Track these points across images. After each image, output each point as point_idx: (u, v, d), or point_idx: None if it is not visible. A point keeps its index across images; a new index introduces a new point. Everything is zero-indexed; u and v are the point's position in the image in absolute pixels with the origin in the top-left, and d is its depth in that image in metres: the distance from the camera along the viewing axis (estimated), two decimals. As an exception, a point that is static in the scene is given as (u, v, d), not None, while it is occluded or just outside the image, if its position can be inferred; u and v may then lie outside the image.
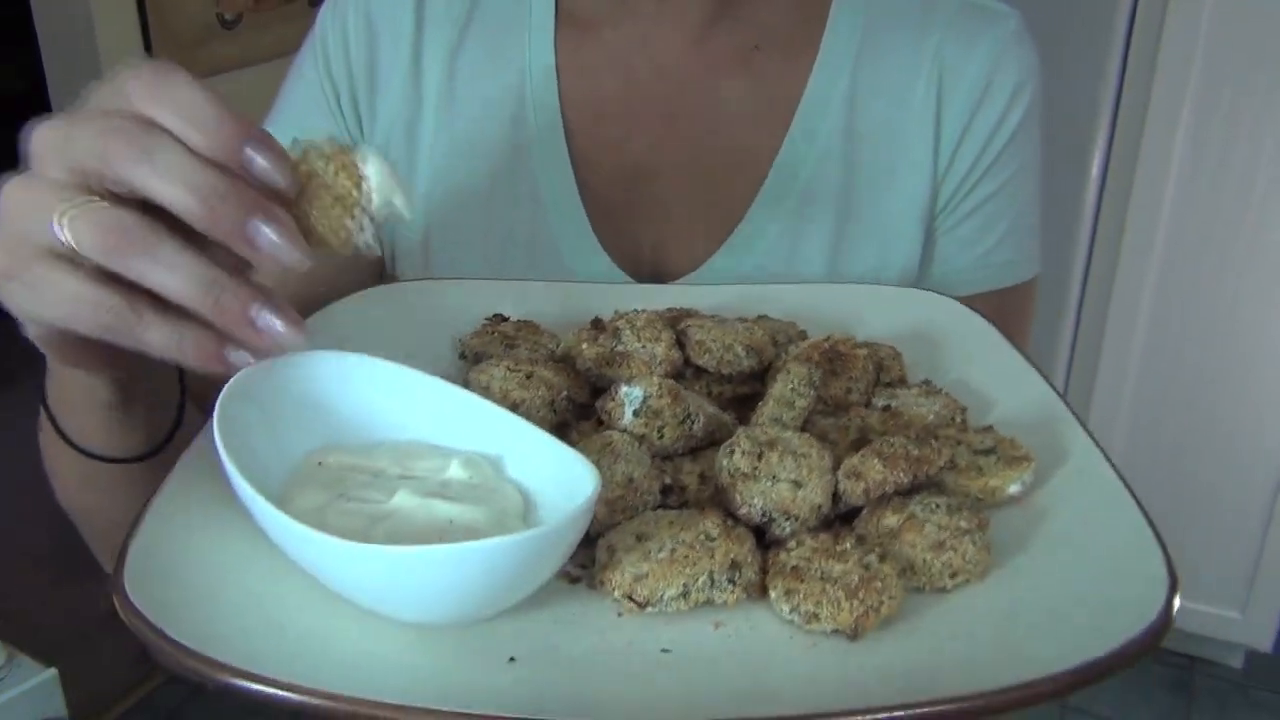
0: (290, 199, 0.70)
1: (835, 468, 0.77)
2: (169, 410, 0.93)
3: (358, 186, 0.72)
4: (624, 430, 0.79)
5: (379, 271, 1.24)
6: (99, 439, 0.90)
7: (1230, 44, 2.56)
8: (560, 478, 0.72)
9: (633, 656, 0.66)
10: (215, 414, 0.70)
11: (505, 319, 1.00)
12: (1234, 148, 2.62)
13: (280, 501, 0.71)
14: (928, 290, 1.07)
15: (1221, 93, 2.60)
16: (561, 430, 0.83)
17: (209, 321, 0.67)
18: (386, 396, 0.79)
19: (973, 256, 1.20)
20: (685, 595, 0.68)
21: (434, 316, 1.02)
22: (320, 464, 0.76)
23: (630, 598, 0.68)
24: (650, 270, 1.20)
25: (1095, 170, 2.66)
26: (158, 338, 0.69)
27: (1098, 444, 0.84)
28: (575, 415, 0.85)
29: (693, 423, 0.79)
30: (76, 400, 0.89)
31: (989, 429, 0.85)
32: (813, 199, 1.17)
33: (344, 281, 1.08)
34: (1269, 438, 2.80)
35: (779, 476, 0.74)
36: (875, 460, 0.74)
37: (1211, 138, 2.64)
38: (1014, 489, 0.79)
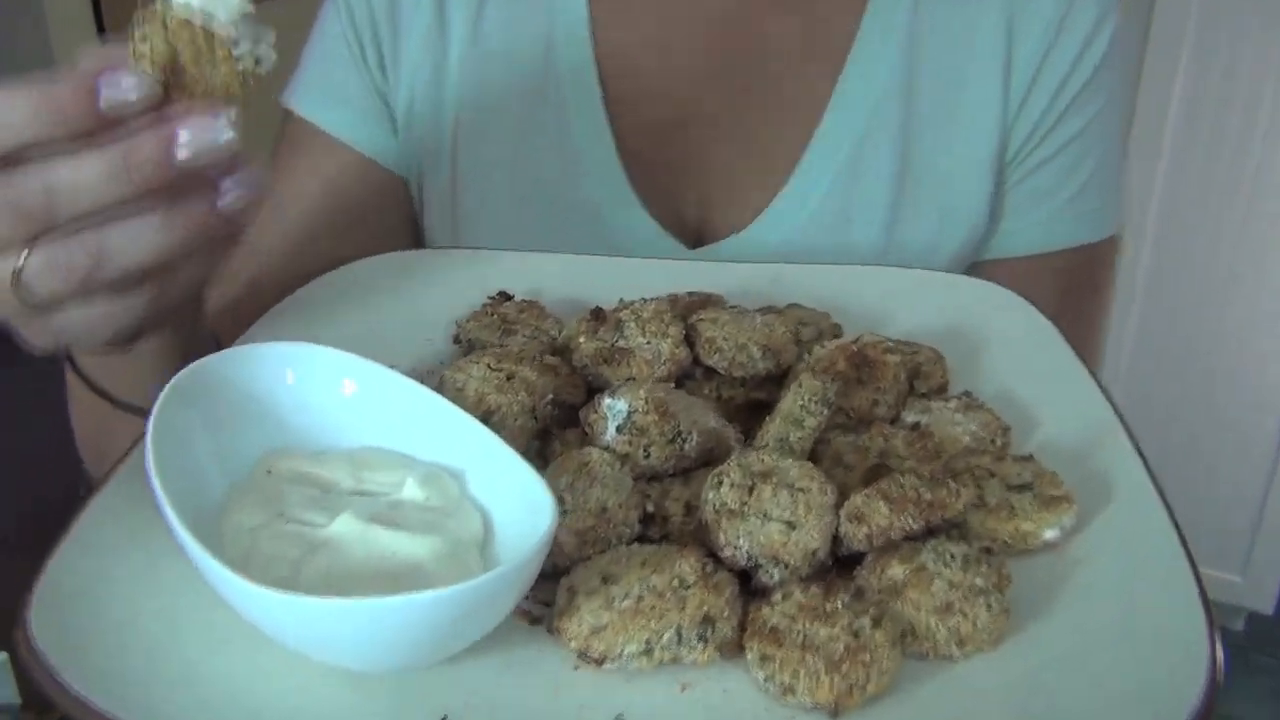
0: (163, 98, 0.68)
1: (841, 502, 0.70)
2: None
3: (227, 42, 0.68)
4: (606, 447, 0.73)
5: (411, 231, 1.20)
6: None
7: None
8: (523, 504, 0.67)
9: (583, 722, 0.61)
10: (150, 422, 0.66)
11: (509, 297, 0.94)
12: (1229, 109, 2.58)
13: (221, 515, 0.68)
14: (985, 281, 0.98)
15: (1218, 45, 2.53)
16: (544, 439, 0.78)
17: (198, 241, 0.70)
18: (347, 396, 0.74)
19: (1050, 208, 1.12)
20: (648, 653, 0.63)
21: (441, 290, 0.96)
22: (269, 472, 0.71)
23: (585, 654, 0.63)
24: (695, 230, 1.14)
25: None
26: (171, 294, 0.73)
27: (1153, 478, 0.75)
28: (563, 421, 0.79)
29: (684, 442, 0.73)
30: (118, 368, 0.87)
31: (1029, 459, 0.77)
32: (869, 148, 1.10)
33: (374, 244, 1.05)
34: (1268, 399, 2.78)
35: (771, 515, 0.68)
36: (881, 503, 0.67)
37: (1207, 97, 2.58)
38: (1049, 535, 0.72)
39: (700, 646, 0.63)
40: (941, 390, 0.87)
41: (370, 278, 0.97)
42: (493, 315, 0.90)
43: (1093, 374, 0.85)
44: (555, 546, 0.68)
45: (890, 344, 0.84)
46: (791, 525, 0.68)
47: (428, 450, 0.73)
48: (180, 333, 0.86)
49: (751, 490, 0.69)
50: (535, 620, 0.67)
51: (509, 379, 0.77)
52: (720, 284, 0.97)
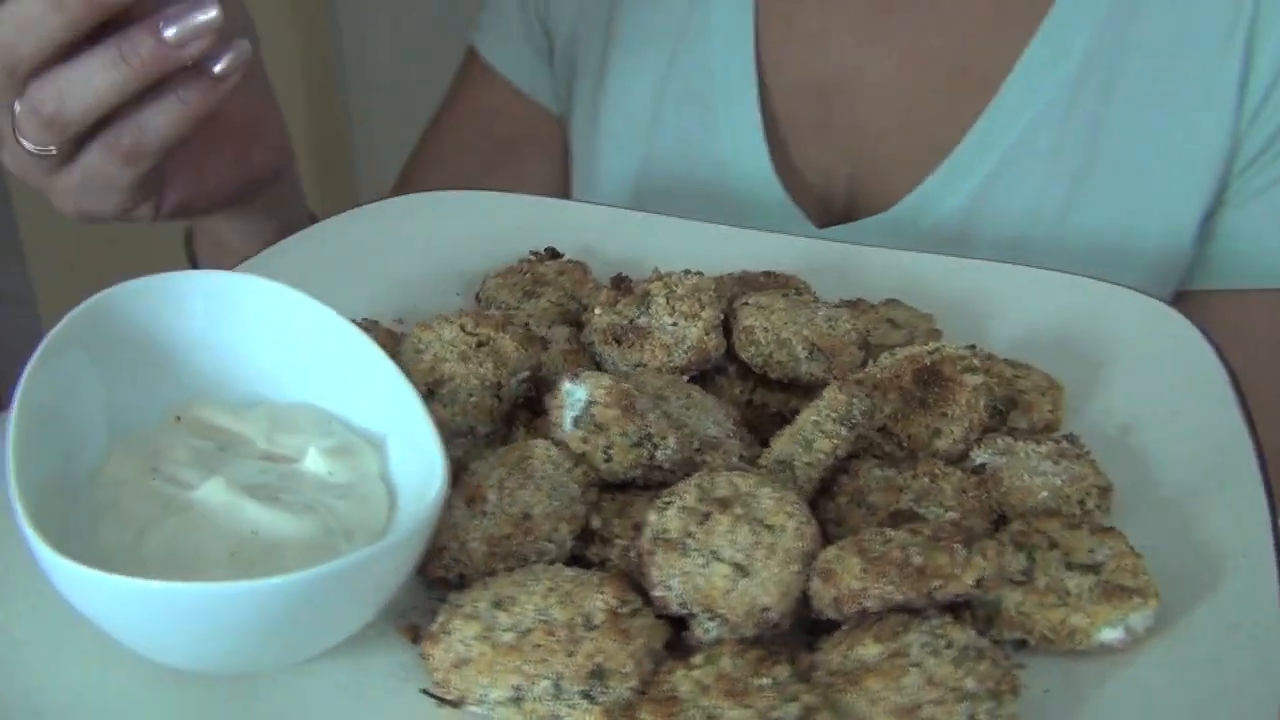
0: None
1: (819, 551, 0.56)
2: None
3: None
4: (560, 442, 0.62)
5: (561, 173, 1.17)
6: None
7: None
8: (425, 492, 0.57)
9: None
10: (25, 371, 0.60)
11: (556, 255, 0.84)
12: None
13: (101, 464, 0.61)
14: (1154, 298, 0.80)
15: None
16: (509, 423, 0.68)
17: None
18: (289, 341, 0.67)
19: None
20: (516, 701, 0.52)
21: (485, 238, 0.87)
22: (178, 419, 0.64)
23: (438, 694, 0.53)
24: (844, 206, 1.01)
25: None
26: (147, 146, 0.75)
27: (1282, 586, 0.58)
28: (539, 405, 0.68)
29: (655, 448, 0.61)
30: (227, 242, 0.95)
31: (1112, 532, 0.60)
32: (1048, 128, 0.94)
33: (521, 180, 1.09)
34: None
35: (720, 554, 0.55)
36: (855, 560, 0.53)
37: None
38: (1106, 636, 0.56)
39: (584, 705, 0.52)
40: (1048, 429, 0.71)
41: (413, 215, 0.89)
42: (525, 274, 0.80)
43: (1259, 446, 0.67)
44: (464, 554, 0.58)
45: (976, 361, 0.68)
46: (742, 571, 0.55)
47: (360, 414, 0.64)
48: (254, 213, 0.93)
49: (705, 519, 0.56)
50: (416, 638, 0.57)
51: (479, 346, 0.67)
52: (817, 263, 0.84)
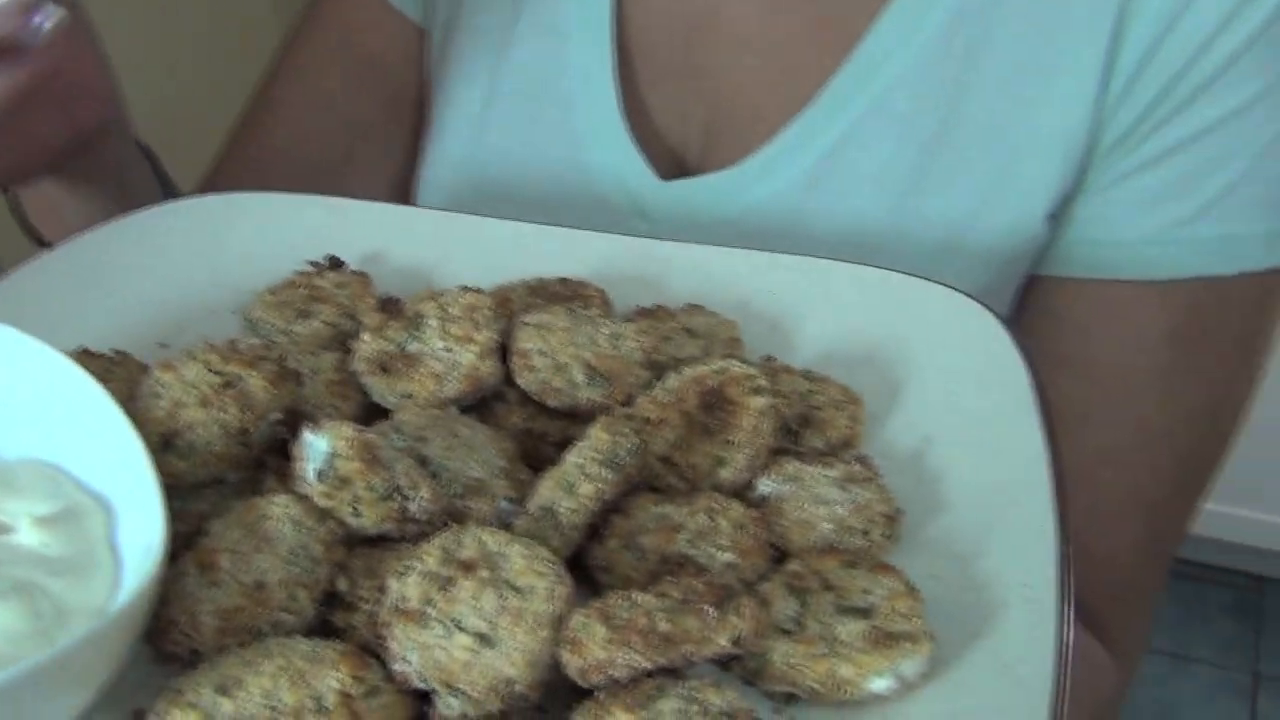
0: None
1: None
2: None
3: None
4: (305, 496, 0.59)
5: (416, 103, 1.12)
6: None
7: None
8: (146, 552, 0.54)
9: None
10: None
11: (339, 264, 0.81)
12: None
13: None
14: (975, 302, 0.78)
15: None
16: (259, 472, 0.65)
17: None
18: (7, 389, 0.63)
19: (1161, 222, 0.88)
20: (235, 802, 0.49)
21: (265, 247, 0.84)
22: (-119, 484, 0.61)
23: (148, 793, 0.50)
24: (697, 158, 0.99)
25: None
26: None
27: (1063, 632, 0.57)
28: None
29: (407, 499, 0.58)
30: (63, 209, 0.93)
31: (890, 570, 0.60)
32: (910, 91, 0.91)
33: (392, 102, 1.08)
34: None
35: (462, 623, 0.53)
36: (600, 627, 0.52)
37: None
38: (877, 685, 0.55)
39: (310, 802, 0.50)
40: (847, 445, 0.70)
41: (184, 223, 0.85)
42: (301, 289, 0.77)
43: (1055, 452, 0.67)
44: (194, 629, 0.56)
45: (763, 381, 0.67)
46: (487, 641, 0.53)
47: (90, 472, 0.61)
48: (88, 173, 0.92)
49: (447, 586, 0.54)
50: (141, 725, 0.54)
51: (224, 387, 0.64)
52: (622, 267, 0.81)
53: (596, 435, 0.61)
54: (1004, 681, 0.56)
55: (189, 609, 0.56)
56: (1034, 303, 0.95)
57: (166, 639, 0.56)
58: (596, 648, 0.52)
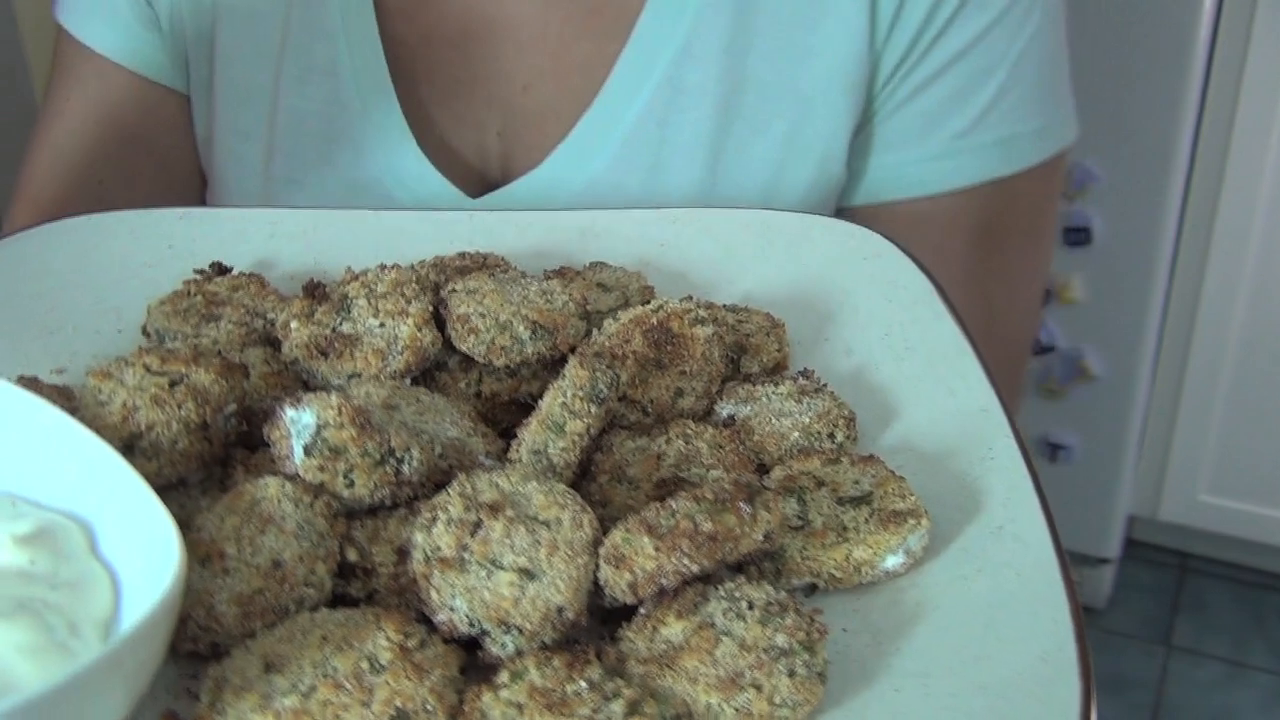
0: None
1: (604, 537, 0.57)
2: None
3: None
4: (293, 476, 0.59)
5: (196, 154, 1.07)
6: None
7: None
8: (157, 561, 0.53)
9: None
10: None
11: (225, 270, 0.80)
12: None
13: None
14: (849, 223, 0.84)
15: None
16: (226, 467, 0.64)
17: None
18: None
19: (940, 140, 0.98)
20: (317, 769, 0.49)
21: (142, 263, 0.82)
22: None
23: (223, 778, 0.50)
24: (498, 169, 1.01)
25: (1183, 158, 2.31)
26: None
27: (1037, 485, 0.63)
28: (255, 439, 0.65)
29: (400, 462, 0.59)
30: None
31: (871, 460, 0.64)
32: (689, 63, 0.96)
33: (160, 171, 1.02)
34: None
35: (501, 562, 0.55)
36: (645, 539, 0.54)
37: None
38: (890, 563, 0.59)
39: (393, 756, 0.50)
40: (778, 369, 0.74)
41: (52, 248, 0.82)
42: (195, 295, 0.76)
43: (975, 347, 0.73)
44: (212, 621, 0.55)
45: (702, 313, 0.71)
46: (529, 575, 0.55)
47: (52, 493, 0.59)
48: None
49: (476, 529, 0.56)
50: (178, 726, 0.53)
51: (172, 385, 0.63)
52: (512, 241, 0.83)
53: (575, 373, 0.63)
54: (1001, 542, 0.61)
55: (202, 602, 0.55)
56: None
57: (183, 637, 0.55)
58: (645, 559, 0.54)
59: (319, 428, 0.59)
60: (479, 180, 1.01)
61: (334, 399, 0.59)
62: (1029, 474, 0.64)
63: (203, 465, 0.63)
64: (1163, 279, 2.34)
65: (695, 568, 0.54)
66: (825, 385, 0.71)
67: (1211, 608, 2.72)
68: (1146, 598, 2.69)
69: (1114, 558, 2.60)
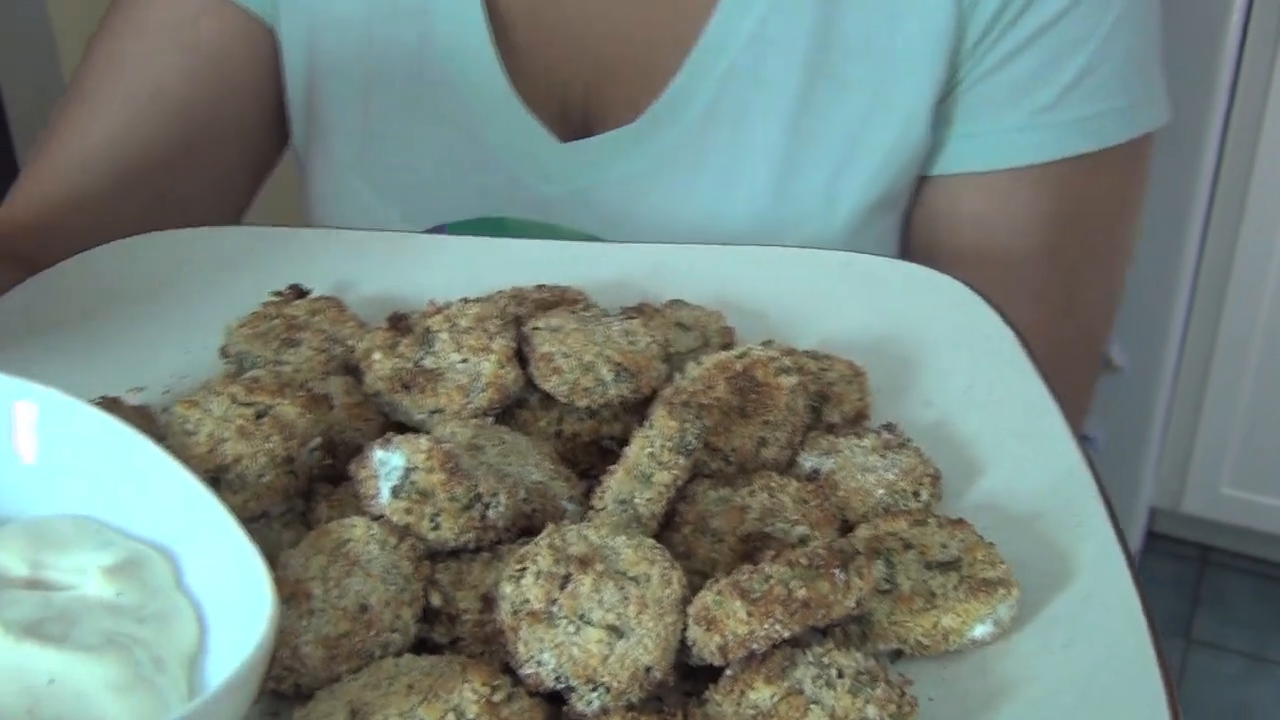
0: None
1: (693, 595, 0.56)
2: None
3: None
4: (380, 517, 0.59)
5: (277, 97, 1.07)
6: None
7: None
8: (245, 599, 0.53)
9: None
10: None
11: (303, 293, 0.80)
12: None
13: None
14: (932, 270, 0.84)
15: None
16: (309, 501, 0.64)
17: None
18: (37, 442, 0.61)
19: (1024, 113, 0.98)
20: (401, 824, 0.49)
21: (227, 280, 0.82)
22: (-90, 553, 0.57)
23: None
24: (580, 117, 1.01)
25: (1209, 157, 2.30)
26: None
27: (1125, 549, 0.62)
28: (339, 472, 0.65)
29: (487, 507, 0.59)
30: None
31: (959, 523, 0.63)
32: (785, 17, 0.96)
33: (234, 108, 1.02)
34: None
35: (590, 618, 0.54)
36: (738, 603, 0.54)
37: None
38: (979, 632, 0.59)
39: (479, 812, 0.50)
40: (859, 419, 0.73)
41: (129, 264, 0.82)
42: (275, 319, 0.76)
43: (1059, 405, 0.72)
44: (297, 661, 0.55)
45: (787, 361, 0.70)
46: (617, 632, 0.54)
47: (138, 521, 0.59)
48: None
49: (565, 583, 0.55)
50: (262, 766, 0.53)
51: (258, 418, 0.63)
52: (586, 272, 0.83)
53: (663, 424, 0.63)
54: (1090, 612, 0.60)
55: (287, 642, 0.55)
56: (929, 204, 1.04)
57: (267, 676, 0.55)
58: (737, 623, 0.54)
59: (408, 470, 0.59)
60: (562, 123, 1.02)
61: (424, 442, 0.59)
62: (1118, 541, 0.63)
63: (287, 498, 0.63)
64: (1188, 271, 2.34)
65: (786, 633, 0.54)
66: (909, 440, 0.70)
67: (1232, 601, 2.71)
68: (1167, 591, 2.68)
69: (1135, 550, 2.59)
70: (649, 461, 0.62)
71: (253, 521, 0.62)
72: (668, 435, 0.62)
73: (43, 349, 0.74)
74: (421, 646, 0.58)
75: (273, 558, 0.59)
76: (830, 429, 0.71)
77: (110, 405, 0.68)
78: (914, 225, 1.05)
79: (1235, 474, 2.53)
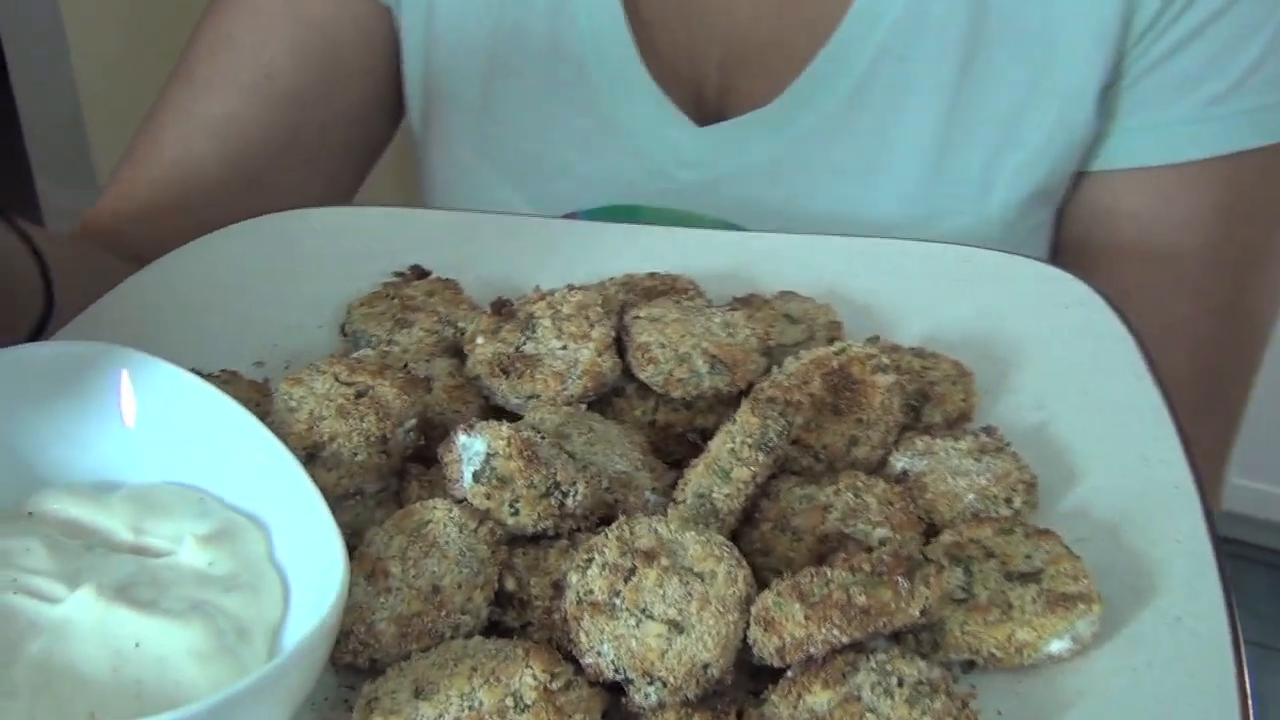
0: None
1: (757, 593, 0.56)
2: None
3: None
4: (461, 500, 0.61)
5: (394, 81, 1.08)
6: None
7: None
8: (324, 573, 0.55)
9: None
10: None
11: (424, 274, 0.82)
12: None
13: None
14: (1053, 267, 0.81)
15: None
16: (403, 480, 0.66)
17: None
18: (146, 412, 0.64)
19: (1192, 105, 0.94)
20: (452, 802, 0.51)
21: (347, 259, 0.85)
22: (31, 514, 0.61)
23: (364, 801, 0.51)
24: (714, 99, 1.00)
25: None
26: None
27: (1223, 575, 0.60)
28: (433, 453, 0.67)
29: (565, 495, 0.60)
30: None
31: (1046, 534, 0.62)
32: (934, 3, 0.93)
33: (349, 90, 1.01)
34: None
35: (652, 612, 0.55)
36: (797, 606, 0.54)
37: None
38: (1055, 647, 0.57)
39: (527, 796, 0.51)
40: (962, 419, 0.72)
41: (258, 242, 0.86)
42: (392, 299, 0.78)
43: (1174, 413, 0.69)
44: (371, 637, 0.57)
45: (885, 359, 0.69)
46: (678, 628, 0.55)
47: (235, 490, 0.62)
48: None
49: (630, 576, 0.56)
50: (333, 735, 0.56)
51: (357, 397, 0.65)
52: (699, 259, 0.83)
53: (746, 420, 0.62)
54: (1176, 635, 0.58)
55: (364, 618, 0.57)
56: (1086, 200, 1.00)
57: (343, 649, 0.57)
58: (795, 626, 0.53)
59: (488, 456, 0.60)
60: (693, 107, 1.00)
61: (505, 429, 0.60)
62: (1216, 563, 0.61)
63: (380, 477, 0.65)
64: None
65: (845, 639, 0.54)
66: (1008, 445, 0.68)
67: (1243, 592, 2.55)
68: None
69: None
70: (729, 457, 0.62)
71: (346, 499, 0.65)
72: (749, 431, 0.62)
73: (166, 328, 0.77)
74: (494, 629, 0.59)
75: (364, 535, 0.61)
76: (927, 430, 0.70)
77: (230, 379, 0.72)
78: (1068, 221, 1.01)
79: (1245, 464, 2.42)
